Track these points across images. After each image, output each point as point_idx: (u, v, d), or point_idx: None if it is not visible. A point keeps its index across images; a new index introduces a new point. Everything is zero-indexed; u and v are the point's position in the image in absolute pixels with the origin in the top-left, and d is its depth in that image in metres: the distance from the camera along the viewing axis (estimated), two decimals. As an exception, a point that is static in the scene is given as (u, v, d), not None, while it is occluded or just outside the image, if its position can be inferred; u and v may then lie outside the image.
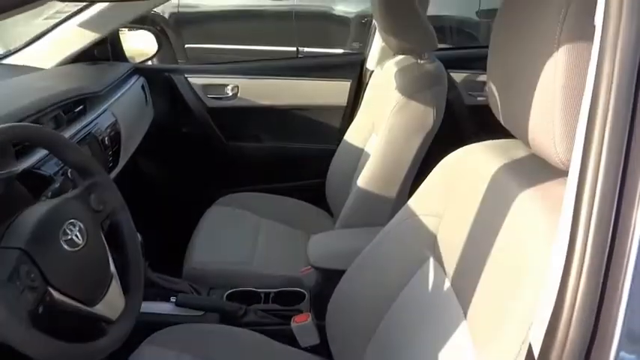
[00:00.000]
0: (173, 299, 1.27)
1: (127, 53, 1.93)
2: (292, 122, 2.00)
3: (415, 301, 0.96)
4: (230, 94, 1.92)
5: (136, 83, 1.74)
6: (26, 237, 0.75)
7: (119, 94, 1.55)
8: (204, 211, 1.72)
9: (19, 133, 0.82)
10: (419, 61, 1.44)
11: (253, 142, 2.02)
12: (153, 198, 2.01)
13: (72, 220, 0.82)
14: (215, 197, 1.81)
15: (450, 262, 0.89)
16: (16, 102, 1.08)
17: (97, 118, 1.33)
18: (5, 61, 1.59)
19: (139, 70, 1.83)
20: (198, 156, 2.00)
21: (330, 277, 1.19)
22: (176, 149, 1.99)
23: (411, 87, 1.38)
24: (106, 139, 1.31)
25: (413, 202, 1.02)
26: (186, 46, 4.45)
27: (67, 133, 1.18)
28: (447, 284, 0.88)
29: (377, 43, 1.82)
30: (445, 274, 0.90)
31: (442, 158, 0.97)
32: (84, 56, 1.69)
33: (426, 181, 1.00)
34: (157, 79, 1.87)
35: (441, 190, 0.95)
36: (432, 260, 0.95)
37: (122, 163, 1.45)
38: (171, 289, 1.32)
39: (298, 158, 2.00)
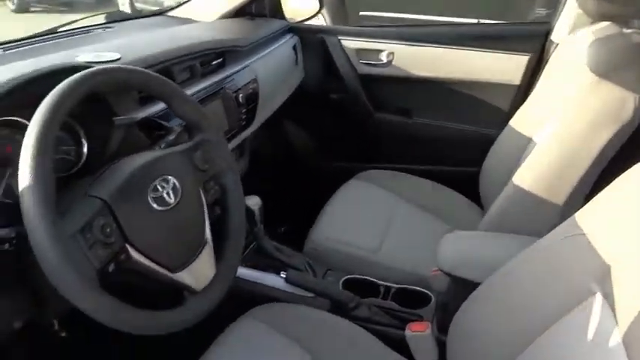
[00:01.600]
0: (284, 274, 1.19)
1: (289, 13, 1.87)
2: (451, 99, 1.74)
3: (566, 346, 0.72)
4: (384, 60, 1.74)
5: (287, 42, 1.66)
6: (112, 188, 0.69)
7: (266, 52, 1.49)
8: (341, 183, 1.60)
9: (131, 79, 0.77)
10: (624, 30, 1.10)
11: (404, 117, 1.82)
12: (289, 162, 1.97)
13: (166, 177, 0.75)
14: (355, 171, 1.68)
15: (626, 308, 0.63)
16: (153, 48, 1.05)
17: (235, 73, 1.27)
18: (171, 14, 1.64)
19: (293, 29, 1.75)
20: (343, 124, 1.87)
21: (462, 287, 0.98)
22: (320, 115, 1.89)
23: (609, 62, 1.04)
24: (242, 96, 1.25)
25: (584, 216, 0.76)
26: (361, 13, 4.34)
27: (200, 85, 1.14)
28: (616, 336, 0.64)
29: (569, 8, 1.47)
30: (615, 321, 0.65)
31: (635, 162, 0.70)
32: (241, 12, 1.67)
33: (607, 190, 0.73)
34: (310, 40, 1.77)
35: (629, 206, 0.68)
36: (598, 298, 0.70)
37: (258, 122, 1.39)
38: (286, 262, 1.24)
39: (453, 140, 1.76)
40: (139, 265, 0.70)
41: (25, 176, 0.60)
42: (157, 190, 0.73)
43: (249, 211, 1.17)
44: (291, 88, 1.65)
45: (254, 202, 1.18)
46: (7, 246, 0.66)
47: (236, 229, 0.88)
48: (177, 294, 0.76)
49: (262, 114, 1.39)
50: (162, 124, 0.96)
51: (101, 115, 0.91)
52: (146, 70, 0.79)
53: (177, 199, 0.75)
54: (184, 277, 0.76)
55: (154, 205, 0.72)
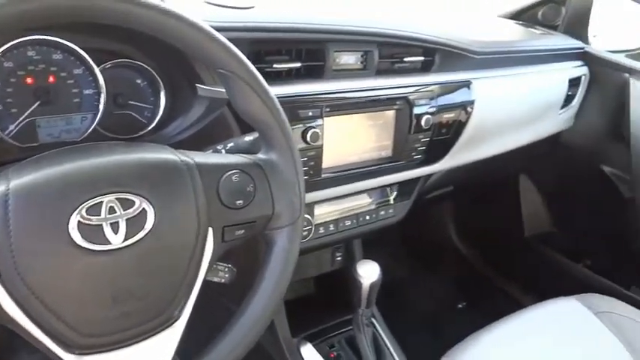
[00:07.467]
0: None
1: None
2: None
3: None
4: None
5: (564, 70, 1.12)
6: (27, 181, 0.42)
7: (513, 72, 1.00)
8: (550, 291, 1.02)
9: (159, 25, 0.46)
10: None
11: None
12: (497, 233, 1.44)
13: (130, 196, 0.44)
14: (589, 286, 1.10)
15: None
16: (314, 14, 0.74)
17: (436, 85, 0.84)
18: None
19: (588, 56, 1.17)
20: (604, 212, 1.26)
21: None
22: (579, 189, 1.30)
23: None
24: (428, 119, 0.84)
25: None
26: None
27: (368, 82, 0.78)
28: None
29: None
30: None
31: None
32: (524, 16, 1.26)
33: None
34: (604, 78, 1.17)
35: None
36: None
37: (452, 163, 0.95)
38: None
39: None
40: (8, 322, 0.41)
41: None
42: (97, 211, 0.42)
43: (355, 282, 0.78)
44: (539, 135, 1.12)
45: (369, 271, 0.78)
46: None
47: (253, 315, 0.52)
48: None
49: (464, 154, 0.94)
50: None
51: (186, 76, 0.65)
52: (193, 21, 0.46)
53: (135, 240, 0.43)
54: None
55: (76, 237, 0.41)
